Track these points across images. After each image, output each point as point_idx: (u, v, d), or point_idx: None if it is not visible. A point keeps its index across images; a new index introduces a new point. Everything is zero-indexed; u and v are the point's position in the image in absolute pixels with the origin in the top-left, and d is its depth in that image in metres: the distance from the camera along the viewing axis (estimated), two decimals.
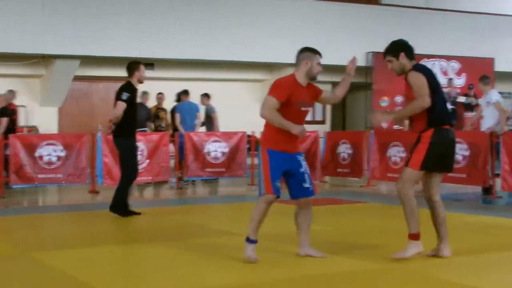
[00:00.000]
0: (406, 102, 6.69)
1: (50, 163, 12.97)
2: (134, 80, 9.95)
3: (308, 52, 6.67)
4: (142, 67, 10.01)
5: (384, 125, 18.23)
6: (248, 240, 6.55)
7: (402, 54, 6.64)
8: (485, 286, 5.64)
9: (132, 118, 9.96)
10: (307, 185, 6.71)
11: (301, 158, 6.72)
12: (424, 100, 6.33)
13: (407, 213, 6.51)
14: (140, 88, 10.49)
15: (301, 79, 6.60)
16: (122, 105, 9.73)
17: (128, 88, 9.86)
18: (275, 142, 6.49)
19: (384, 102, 20.30)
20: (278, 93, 6.36)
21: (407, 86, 6.54)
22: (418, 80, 6.40)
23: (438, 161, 6.51)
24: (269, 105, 6.35)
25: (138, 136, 13.64)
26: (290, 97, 6.39)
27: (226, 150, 14.51)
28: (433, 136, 6.43)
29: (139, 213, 10.01)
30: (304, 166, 6.71)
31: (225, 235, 8.35)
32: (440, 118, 6.48)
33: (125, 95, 9.72)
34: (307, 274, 6.09)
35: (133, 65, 10.05)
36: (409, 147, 13.31)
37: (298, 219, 6.84)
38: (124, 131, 9.93)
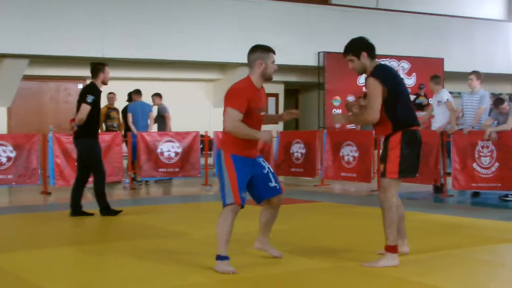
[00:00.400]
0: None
1: (0, 164, 12.76)
2: (98, 82, 9.89)
3: (260, 51, 6.28)
4: (106, 69, 9.94)
5: (337, 125, 18.34)
6: (220, 257, 6.09)
7: (363, 54, 6.48)
8: (438, 284, 5.69)
9: (96, 120, 9.88)
10: (273, 184, 6.39)
11: (262, 160, 6.46)
12: (372, 115, 6.17)
13: (386, 223, 6.25)
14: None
15: (257, 81, 6.26)
16: (86, 108, 9.63)
17: (93, 90, 9.78)
18: (238, 147, 6.15)
19: (336, 101, 20.43)
20: (239, 104, 6.00)
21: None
22: (373, 90, 6.20)
23: (412, 164, 6.38)
24: (233, 117, 6.01)
25: None
26: (250, 104, 6.07)
27: (180, 150, 14.46)
28: (402, 139, 6.27)
29: (92, 214, 9.91)
30: (267, 167, 6.44)
31: (180, 236, 8.31)
32: (405, 120, 6.32)
33: (90, 98, 9.62)
34: (262, 274, 6.08)
35: (98, 66, 9.96)
36: (362, 146, 13.58)
37: (264, 219, 6.59)
38: (87, 133, 9.83)
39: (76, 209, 9.96)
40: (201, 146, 15.07)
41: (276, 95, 21.74)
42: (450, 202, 11.98)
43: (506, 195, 11.86)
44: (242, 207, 6.15)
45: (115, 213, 9.95)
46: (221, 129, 13.95)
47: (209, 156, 15.29)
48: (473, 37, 23.50)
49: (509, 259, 7.03)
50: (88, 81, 18.64)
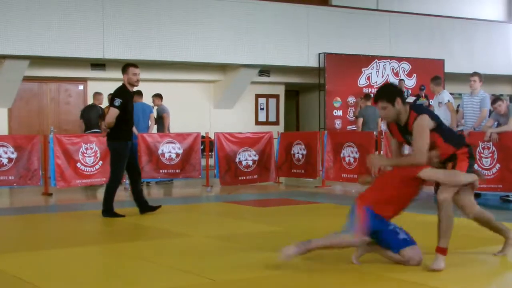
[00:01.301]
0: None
1: (1, 165, 12.76)
2: (126, 83, 9.89)
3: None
4: (130, 69, 9.86)
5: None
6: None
7: (398, 100, 6.30)
8: (439, 285, 5.71)
9: (125, 123, 9.83)
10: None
11: None
12: (421, 159, 6.15)
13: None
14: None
15: None
16: (113, 112, 9.65)
17: (120, 93, 9.80)
18: None
19: (337, 102, 20.43)
20: None
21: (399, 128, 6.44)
22: (425, 129, 6.20)
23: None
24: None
25: (90, 138, 13.60)
26: None
27: (180, 151, 14.45)
28: (469, 152, 6.37)
29: (123, 215, 9.88)
30: None
31: (180, 236, 8.31)
32: (459, 138, 6.50)
33: (117, 101, 9.67)
34: (258, 276, 6.08)
35: (123, 67, 9.98)
36: (362, 147, 13.57)
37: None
38: (114, 135, 9.83)
39: (143, 206, 10.11)
40: (201, 147, 15.06)
41: (276, 96, 21.75)
42: None
43: (508, 196, 11.86)
44: None
45: (116, 215, 9.88)
46: (221, 130, 14.05)
47: (210, 157, 15.29)
48: (473, 38, 23.51)
49: (510, 260, 7.02)
50: (88, 83, 18.87)
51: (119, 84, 16.48)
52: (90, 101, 16.69)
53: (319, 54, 20.15)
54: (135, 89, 9.96)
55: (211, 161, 15.03)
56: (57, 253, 7.25)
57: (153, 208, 10.17)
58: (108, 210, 9.84)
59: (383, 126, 16.28)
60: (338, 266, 6.46)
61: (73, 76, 18.57)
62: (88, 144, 13.48)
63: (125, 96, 9.77)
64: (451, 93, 13.35)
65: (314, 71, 20.49)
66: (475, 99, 12.18)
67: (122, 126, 9.76)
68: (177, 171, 14.44)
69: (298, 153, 15.05)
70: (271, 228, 9.01)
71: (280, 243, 7.66)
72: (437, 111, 12.77)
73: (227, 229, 8.92)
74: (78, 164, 13.30)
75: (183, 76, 19.89)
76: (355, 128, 17.73)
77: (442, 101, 12.69)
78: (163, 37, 18.13)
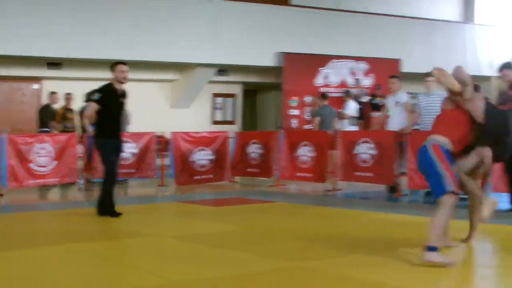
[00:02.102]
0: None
1: None
2: (114, 81, 9.93)
3: None
4: (118, 67, 9.95)
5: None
6: (432, 248, 6.24)
7: None
8: (395, 283, 5.75)
9: (107, 120, 9.79)
10: None
11: None
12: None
13: None
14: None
15: None
16: (91, 106, 9.80)
17: (102, 88, 9.90)
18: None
19: (294, 102, 20.46)
20: None
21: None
22: None
23: None
24: None
25: (45, 137, 13.44)
26: None
27: (136, 150, 14.35)
28: None
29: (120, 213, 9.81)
30: None
31: (138, 236, 8.25)
32: None
33: (96, 95, 9.78)
34: (218, 276, 6.05)
35: (111, 65, 10.05)
36: (318, 147, 13.59)
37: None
38: (98, 132, 9.86)
39: (106, 208, 9.87)
40: (157, 146, 14.96)
41: (234, 96, 21.72)
42: (404, 201, 12.06)
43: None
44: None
45: (116, 214, 9.77)
46: (178, 129, 13.93)
47: (165, 157, 15.20)
48: (431, 39, 23.70)
49: (463, 257, 7.08)
50: (44, 82, 18.64)
51: (76, 83, 16.32)
52: (45, 100, 16.49)
53: (277, 53, 20.15)
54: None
55: (167, 161, 14.94)
56: (12, 255, 7.10)
57: (115, 214, 9.88)
58: (102, 207, 9.78)
59: (339, 125, 16.36)
60: (304, 264, 6.46)
61: (27, 75, 18.32)
62: (42, 144, 13.32)
63: (107, 92, 9.82)
64: (408, 93, 13.43)
65: (272, 71, 20.49)
66: (431, 98, 12.26)
67: (104, 122, 9.76)
68: (132, 170, 14.34)
69: (254, 152, 15.04)
70: (228, 227, 9.00)
71: (238, 242, 7.70)
72: (394, 110, 12.83)
73: (185, 229, 8.89)
74: (31, 164, 13.12)
75: (140, 75, 19.71)
76: (312, 127, 17.75)
77: (399, 101, 12.75)
78: (119, 36, 17.97)
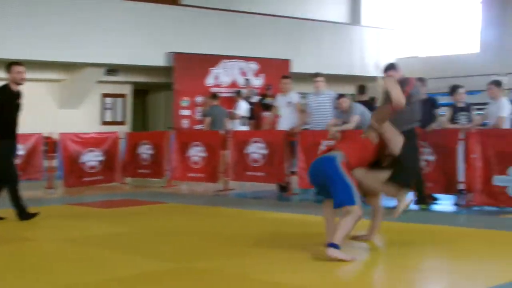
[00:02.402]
0: None
1: None
2: (10, 82, 9.63)
3: None
4: (14, 68, 9.63)
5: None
6: (335, 246, 6.51)
7: None
8: (289, 282, 5.79)
9: (3, 121, 9.53)
10: None
11: None
12: None
13: None
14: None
15: None
16: None
17: None
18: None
19: (185, 102, 20.36)
20: None
21: None
22: None
23: None
24: None
25: None
26: None
27: (22, 152, 13.92)
28: None
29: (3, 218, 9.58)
30: None
31: (22, 241, 8.04)
32: None
33: None
34: (104, 278, 5.94)
35: (7, 66, 9.72)
36: (209, 147, 13.58)
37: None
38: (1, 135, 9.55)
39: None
40: (45, 148, 14.57)
41: (124, 96, 21.42)
42: (295, 200, 12.19)
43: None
44: None
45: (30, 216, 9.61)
46: (66, 130, 13.60)
47: (53, 159, 14.83)
48: (320, 40, 24.08)
49: (352, 254, 7.20)
50: None
51: None
52: None
53: (167, 53, 20.01)
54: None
55: (55, 163, 14.58)
56: None
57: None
58: (22, 212, 9.58)
59: (230, 125, 16.40)
60: (198, 265, 6.42)
61: None
62: None
63: (4, 95, 9.56)
64: (298, 93, 13.58)
65: (163, 71, 20.32)
66: (321, 98, 12.43)
67: (2, 124, 9.54)
68: (18, 173, 13.88)
69: (144, 153, 14.89)
70: (118, 229, 8.87)
71: (128, 244, 7.59)
72: (285, 110, 12.94)
73: (73, 232, 8.69)
74: None
75: (26, 75, 19.19)
76: (203, 127, 17.72)
77: (291, 101, 12.86)
78: (4, 33, 17.42)
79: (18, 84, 9.68)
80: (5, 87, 9.67)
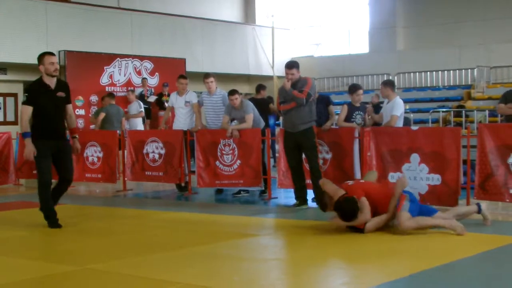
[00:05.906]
0: None
1: None
2: (43, 74, 8.74)
3: None
4: (45, 58, 8.71)
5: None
6: None
7: None
8: (183, 280, 5.82)
9: (39, 118, 8.69)
10: None
11: None
12: None
13: None
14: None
15: None
16: (24, 109, 8.75)
17: (30, 87, 8.87)
18: None
19: (79, 101, 20.04)
20: None
21: None
22: None
23: None
24: None
25: None
26: None
27: None
28: None
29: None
30: None
31: None
32: None
33: (24, 97, 8.74)
34: (3, 283, 5.82)
35: (38, 57, 8.82)
36: (106, 147, 13.42)
37: None
38: (34, 134, 8.68)
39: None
40: None
41: (15, 95, 20.87)
42: (194, 199, 12.20)
43: (239, 192, 12.28)
44: None
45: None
46: None
47: None
48: (214, 39, 24.19)
49: (249, 252, 7.29)
50: None
51: None
52: None
53: (59, 51, 19.63)
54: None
55: None
56: None
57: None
58: (49, 217, 8.98)
59: (127, 125, 16.25)
60: (96, 266, 6.38)
61: None
62: None
63: (36, 90, 8.71)
64: (194, 92, 13.58)
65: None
66: (214, 98, 12.47)
67: (36, 123, 8.69)
68: None
69: None
70: (10, 232, 8.67)
71: (21, 248, 7.42)
72: (182, 110, 12.86)
73: None
74: None
75: None
76: (94, 127, 17.47)
77: (190, 101, 12.81)
78: None
79: (52, 76, 8.73)
80: (39, 81, 8.78)
